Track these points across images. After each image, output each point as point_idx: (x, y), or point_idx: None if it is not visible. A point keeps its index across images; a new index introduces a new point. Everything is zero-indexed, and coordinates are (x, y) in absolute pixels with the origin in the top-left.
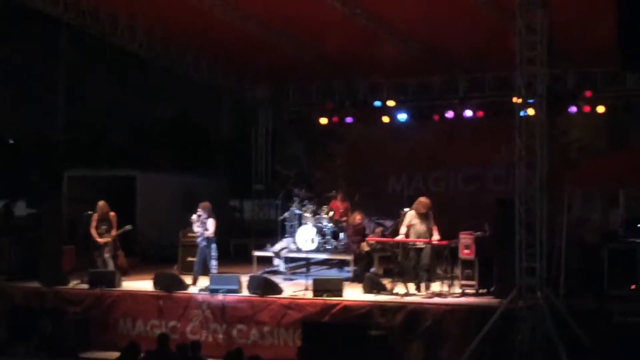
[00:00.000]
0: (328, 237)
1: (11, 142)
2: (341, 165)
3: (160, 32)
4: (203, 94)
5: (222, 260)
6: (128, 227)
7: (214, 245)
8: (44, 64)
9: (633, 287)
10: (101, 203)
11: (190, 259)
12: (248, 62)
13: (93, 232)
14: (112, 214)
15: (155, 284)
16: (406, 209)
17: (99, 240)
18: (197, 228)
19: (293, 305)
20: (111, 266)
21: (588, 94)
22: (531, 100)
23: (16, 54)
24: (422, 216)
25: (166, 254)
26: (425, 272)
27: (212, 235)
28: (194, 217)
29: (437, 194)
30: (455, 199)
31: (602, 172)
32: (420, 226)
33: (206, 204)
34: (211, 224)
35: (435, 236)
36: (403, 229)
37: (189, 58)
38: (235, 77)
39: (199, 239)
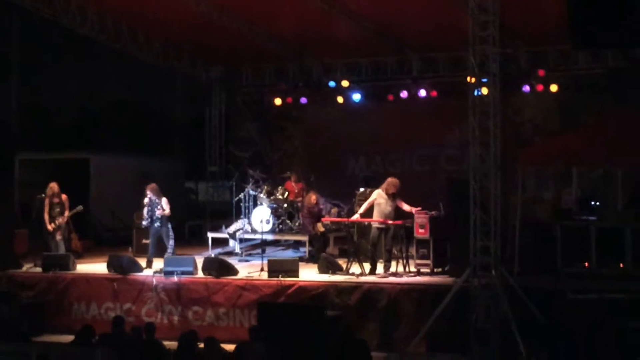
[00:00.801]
0: (283, 217)
1: None
2: (298, 146)
3: (111, 14)
4: (157, 75)
5: (177, 242)
6: (79, 208)
7: (169, 225)
8: None
9: (586, 264)
10: (52, 184)
11: (145, 241)
12: (201, 43)
13: (46, 216)
14: (64, 196)
15: (110, 267)
16: (361, 189)
17: (50, 227)
18: (147, 211)
19: (248, 286)
20: (63, 249)
21: (541, 73)
22: (484, 80)
23: None
24: (390, 196)
25: (120, 237)
26: (387, 253)
27: (168, 214)
28: (146, 200)
29: (394, 174)
30: (410, 179)
31: (554, 151)
32: (386, 206)
33: (153, 185)
34: (165, 203)
35: (407, 207)
36: (362, 209)
37: (141, 40)
38: (188, 59)
39: (146, 222)
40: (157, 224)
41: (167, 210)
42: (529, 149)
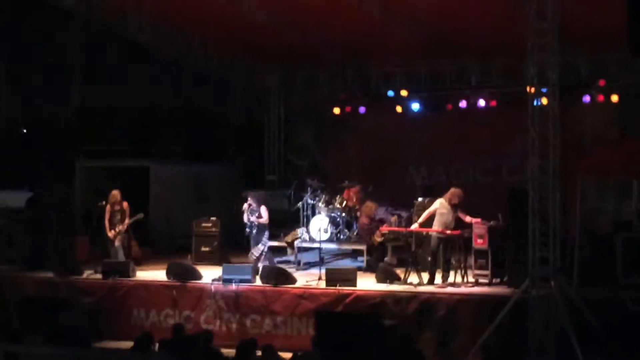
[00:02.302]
0: (341, 227)
1: (24, 131)
2: (354, 155)
3: (167, 21)
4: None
5: (236, 250)
6: (140, 215)
7: (267, 233)
8: (51, 51)
9: None
10: (114, 192)
11: (204, 248)
12: (257, 49)
13: (106, 223)
14: (125, 203)
15: (169, 274)
16: (420, 198)
17: (111, 234)
18: (247, 217)
19: (306, 295)
20: (123, 256)
21: (602, 83)
22: (544, 90)
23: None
24: (453, 207)
25: (178, 245)
26: (446, 263)
27: (266, 222)
28: (245, 206)
29: (457, 185)
30: (472, 190)
31: (615, 162)
32: (447, 216)
33: (256, 193)
34: (264, 211)
35: (468, 218)
36: (421, 218)
37: (196, 46)
38: (244, 66)
39: (248, 229)
40: (254, 231)
41: (265, 218)
42: (589, 159)
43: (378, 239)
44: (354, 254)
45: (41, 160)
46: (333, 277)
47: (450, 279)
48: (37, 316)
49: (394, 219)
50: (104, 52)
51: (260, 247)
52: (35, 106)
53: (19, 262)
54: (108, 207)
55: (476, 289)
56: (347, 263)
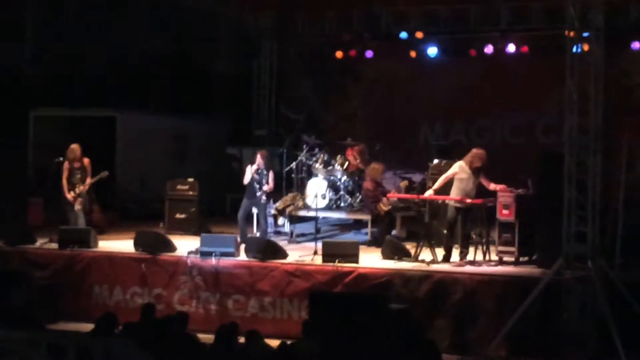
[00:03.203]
0: (342, 192)
1: None
2: (358, 107)
3: None
4: (196, 23)
5: (217, 217)
6: (104, 173)
7: (271, 202)
8: None
9: None
10: (73, 146)
11: (179, 215)
12: None
13: (64, 182)
14: (86, 160)
15: (137, 245)
16: (435, 161)
17: (69, 195)
18: (252, 180)
19: (299, 272)
20: (83, 222)
21: None
22: (586, 34)
23: None
24: (474, 171)
25: (150, 209)
26: (464, 237)
27: (271, 189)
28: (254, 167)
29: (481, 146)
30: (499, 153)
31: None
32: (468, 182)
33: (265, 152)
34: (271, 177)
35: (492, 185)
36: (437, 184)
37: None
38: (234, 3)
39: (250, 197)
40: (263, 199)
41: (272, 185)
42: (638, 118)
43: (385, 207)
44: (357, 225)
45: None
46: (331, 252)
47: (470, 257)
48: None
49: (404, 184)
50: None
51: (270, 220)
52: None
53: None
54: (66, 164)
55: (500, 269)
56: (348, 236)
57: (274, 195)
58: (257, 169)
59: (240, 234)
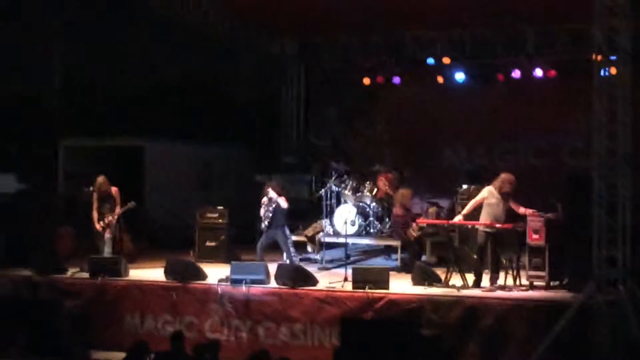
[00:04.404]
0: (371, 218)
1: None
2: (384, 133)
3: None
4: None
5: (247, 245)
6: (131, 204)
7: (287, 230)
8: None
9: None
10: (100, 179)
11: (209, 243)
12: (273, 12)
13: (94, 213)
14: (114, 189)
15: (168, 273)
16: (464, 186)
17: (99, 225)
18: (265, 212)
19: (330, 298)
20: (112, 251)
21: None
22: (613, 58)
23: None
24: (504, 196)
25: (179, 238)
26: (495, 262)
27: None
28: (264, 199)
29: (504, 169)
30: (525, 176)
31: None
32: (497, 207)
33: (273, 183)
34: (283, 201)
35: (521, 209)
36: (466, 209)
37: (205, 8)
38: (258, 30)
39: (264, 224)
40: (264, 227)
41: (282, 206)
42: None
43: (414, 233)
44: (386, 250)
45: (18, 140)
46: (361, 278)
47: (500, 281)
48: (14, 322)
49: (432, 210)
50: (92, 17)
51: (291, 248)
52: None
53: None
54: (95, 195)
55: (530, 293)
56: (378, 262)
57: (304, 222)
58: (269, 199)
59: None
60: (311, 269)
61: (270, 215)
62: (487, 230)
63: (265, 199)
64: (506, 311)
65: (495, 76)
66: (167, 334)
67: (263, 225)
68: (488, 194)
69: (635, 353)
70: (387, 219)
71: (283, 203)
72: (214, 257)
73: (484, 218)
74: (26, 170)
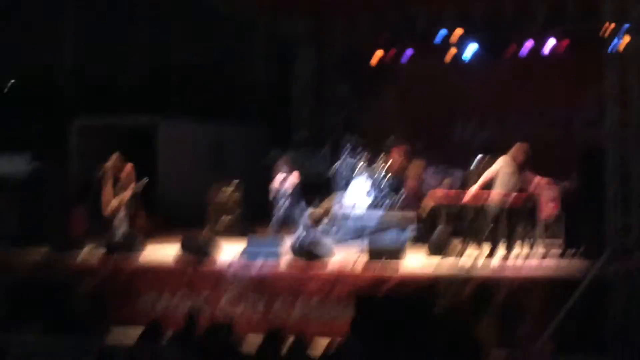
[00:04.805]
0: (386, 191)
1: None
2: (395, 107)
3: None
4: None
5: (260, 221)
6: (144, 180)
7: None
8: None
9: None
10: (114, 157)
11: (222, 218)
12: None
13: (108, 191)
14: (128, 166)
15: (183, 249)
16: (479, 157)
17: (113, 203)
18: (279, 187)
19: (345, 273)
20: (127, 228)
21: None
22: (626, 26)
23: None
24: (519, 166)
25: (193, 215)
26: (510, 233)
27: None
28: (278, 175)
29: (516, 140)
30: (538, 147)
31: None
32: (512, 177)
33: (286, 159)
34: (294, 177)
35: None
36: (481, 180)
37: None
38: (271, 9)
39: (279, 200)
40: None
41: (290, 185)
42: None
43: (429, 205)
44: (402, 222)
45: (33, 120)
46: (377, 250)
47: (515, 252)
48: (30, 301)
49: (446, 182)
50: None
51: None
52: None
53: (7, 238)
54: (109, 173)
55: (546, 264)
56: (393, 234)
57: (319, 196)
58: (282, 176)
59: None
60: (326, 242)
61: (285, 190)
62: (502, 200)
63: (279, 175)
64: (522, 282)
65: (507, 49)
66: (183, 311)
67: (279, 201)
68: (503, 163)
69: None
70: (401, 191)
71: (295, 179)
72: (229, 231)
73: (499, 188)
74: (40, 149)
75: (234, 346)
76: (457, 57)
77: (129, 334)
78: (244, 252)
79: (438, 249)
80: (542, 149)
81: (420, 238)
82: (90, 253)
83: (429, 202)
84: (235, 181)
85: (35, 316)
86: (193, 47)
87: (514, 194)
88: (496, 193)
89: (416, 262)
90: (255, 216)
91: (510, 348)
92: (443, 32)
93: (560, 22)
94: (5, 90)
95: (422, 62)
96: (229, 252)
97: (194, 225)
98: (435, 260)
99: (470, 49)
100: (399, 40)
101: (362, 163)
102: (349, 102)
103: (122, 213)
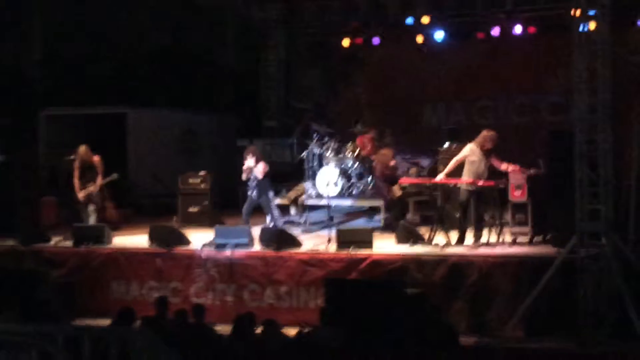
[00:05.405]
0: (354, 180)
1: None
2: (363, 93)
3: None
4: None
5: (230, 210)
6: (114, 175)
7: (272, 193)
8: None
9: None
10: (82, 149)
11: (192, 208)
12: None
13: (76, 182)
14: (96, 158)
15: (152, 239)
16: (446, 144)
17: (81, 194)
18: (247, 177)
19: (314, 260)
20: (95, 220)
21: None
22: (592, 12)
23: None
24: (486, 153)
25: (163, 204)
26: (478, 219)
27: (263, 177)
28: (246, 165)
29: (484, 126)
30: (505, 132)
31: None
32: (480, 164)
33: (254, 148)
34: (261, 167)
35: (503, 165)
36: (448, 167)
37: None
38: None
39: (248, 189)
40: (255, 193)
41: (259, 174)
42: None
43: (397, 193)
44: (370, 211)
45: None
46: (345, 239)
47: (484, 239)
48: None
49: (414, 170)
50: None
51: (275, 211)
52: None
53: None
54: (77, 164)
55: (514, 249)
56: (361, 222)
57: (287, 185)
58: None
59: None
60: (295, 231)
61: (253, 179)
62: (470, 187)
63: (246, 164)
64: (491, 268)
65: (475, 34)
66: (153, 300)
67: (247, 190)
68: (470, 151)
69: (619, 304)
70: (369, 180)
71: (259, 173)
72: (198, 222)
73: (467, 176)
74: (8, 140)
75: (206, 330)
76: (426, 43)
77: (100, 324)
78: (212, 243)
79: (407, 237)
80: (509, 134)
81: (389, 226)
82: (59, 244)
83: (397, 190)
84: (204, 172)
85: (4, 304)
86: (162, 35)
87: (482, 181)
88: (464, 180)
89: (385, 250)
90: (224, 205)
91: (481, 331)
92: (410, 20)
93: (529, 8)
94: None
95: (391, 49)
96: (198, 241)
97: (163, 215)
98: (404, 248)
99: (439, 35)
100: (368, 26)
101: (330, 151)
102: (317, 89)
103: (91, 207)
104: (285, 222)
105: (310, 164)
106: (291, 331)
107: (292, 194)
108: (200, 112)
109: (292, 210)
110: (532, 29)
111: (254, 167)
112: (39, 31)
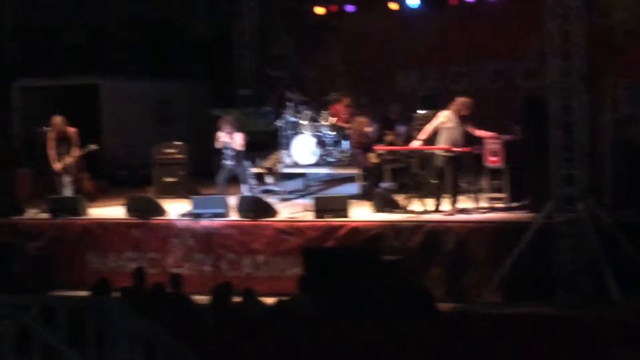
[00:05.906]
0: (330, 147)
1: None
2: (338, 61)
3: None
4: None
5: (205, 180)
6: (93, 146)
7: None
8: None
9: None
10: (57, 119)
11: (168, 179)
12: None
13: (51, 153)
14: (71, 130)
15: (128, 210)
16: (420, 111)
17: (57, 166)
18: (222, 146)
19: (291, 229)
20: (71, 191)
21: None
22: None
23: None
24: (461, 119)
25: (138, 175)
26: (454, 186)
27: (241, 149)
28: (220, 134)
29: (458, 92)
30: (479, 98)
31: None
32: (454, 131)
33: (230, 118)
34: (240, 137)
35: (478, 132)
36: (424, 134)
37: None
38: None
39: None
40: (233, 162)
41: (238, 146)
42: (621, 59)
43: (373, 160)
44: (346, 179)
45: None
46: (322, 207)
47: (460, 205)
48: None
49: (390, 137)
50: None
51: (251, 180)
52: None
53: None
54: (51, 135)
55: (491, 215)
56: (337, 190)
57: (262, 154)
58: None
59: None
60: (272, 200)
61: (228, 149)
62: (446, 154)
63: (221, 134)
64: (467, 234)
65: (448, 0)
66: (130, 271)
67: (222, 159)
68: (445, 118)
69: (595, 269)
70: (345, 147)
71: (237, 145)
72: (174, 192)
73: (442, 142)
74: None
75: (183, 300)
76: (400, 10)
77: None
78: (189, 213)
79: (383, 204)
80: (484, 100)
81: (365, 194)
82: (35, 216)
83: (373, 158)
84: (178, 142)
85: None
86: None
87: (457, 148)
88: (440, 147)
89: (362, 217)
90: (200, 175)
91: (458, 298)
92: None
93: None
94: None
95: (364, 15)
96: (173, 212)
97: (139, 185)
98: (381, 215)
99: (413, 2)
100: None
101: (305, 120)
102: (292, 57)
103: (67, 179)
104: (262, 191)
105: (285, 132)
106: (269, 300)
107: (268, 163)
108: (174, 82)
109: (268, 179)
110: None
111: (231, 139)
112: (9, 3)
